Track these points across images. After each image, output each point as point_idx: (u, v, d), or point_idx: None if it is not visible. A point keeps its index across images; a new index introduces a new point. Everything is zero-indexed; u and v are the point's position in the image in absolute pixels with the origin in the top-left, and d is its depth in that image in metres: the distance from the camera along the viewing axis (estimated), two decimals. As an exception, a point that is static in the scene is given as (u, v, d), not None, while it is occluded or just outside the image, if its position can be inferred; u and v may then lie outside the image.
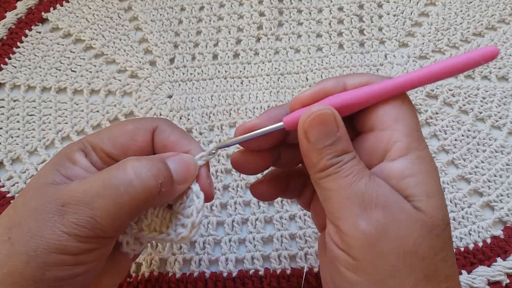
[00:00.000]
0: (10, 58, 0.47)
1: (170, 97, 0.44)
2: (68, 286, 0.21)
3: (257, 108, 0.43)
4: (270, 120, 0.24)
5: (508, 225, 0.37)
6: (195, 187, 0.25)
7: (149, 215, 0.24)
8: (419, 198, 0.21)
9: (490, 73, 0.45)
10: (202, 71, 0.45)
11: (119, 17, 0.49)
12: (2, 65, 0.46)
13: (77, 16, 0.49)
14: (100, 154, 0.24)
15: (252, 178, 0.39)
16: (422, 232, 0.20)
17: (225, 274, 0.35)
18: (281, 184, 0.28)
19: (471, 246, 0.36)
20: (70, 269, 0.21)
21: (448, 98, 0.43)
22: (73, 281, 0.21)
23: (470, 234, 0.37)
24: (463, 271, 0.35)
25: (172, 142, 0.25)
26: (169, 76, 0.45)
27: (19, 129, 0.43)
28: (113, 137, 0.25)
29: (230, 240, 0.36)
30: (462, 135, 0.41)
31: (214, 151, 0.25)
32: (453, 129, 0.42)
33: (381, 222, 0.20)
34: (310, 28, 0.48)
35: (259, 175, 0.37)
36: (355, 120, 0.25)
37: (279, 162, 0.27)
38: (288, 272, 0.35)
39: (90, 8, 0.50)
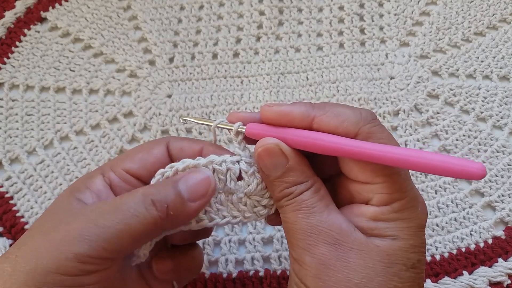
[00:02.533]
0: (8, 58, 0.46)
1: (169, 96, 0.44)
2: None
3: (257, 108, 0.43)
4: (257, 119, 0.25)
5: (509, 225, 0.37)
6: (249, 168, 0.25)
7: (213, 204, 0.25)
8: (384, 238, 0.22)
9: (492, 72, 0.44)
10: (201, 71, 0.45)
11: (118, 16, 0.49)
12: (0, 64, 0.46)
13: (76, 15, 0.49)
14: (119, 172, 0.26)
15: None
16: (375, 267, 0.21)
17: (225, 275, 0.35)
18: None
19: (473, 246, 0.36)
20: None
21: (450, 97, 0.43)
22: None
23: (471, 234, 0.37)
24: (464, 272, 0.35)
25: (187, 145, 0.27)
26: (168, 75, 0.45)
27: (17, 129, 0.42)
28: (130, 155, 0.26)
29: (230, 241, 0.36)
30: (464, 135, 0.41)
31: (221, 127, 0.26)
32: (454, 129, 0.41)
33: (326, 257, 0.21)
34: (311, 27, 0.48)
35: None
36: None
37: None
38: (288, 273, 0.35)
39: (89, 7, 0.49)
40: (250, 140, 0.25)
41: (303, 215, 0.22)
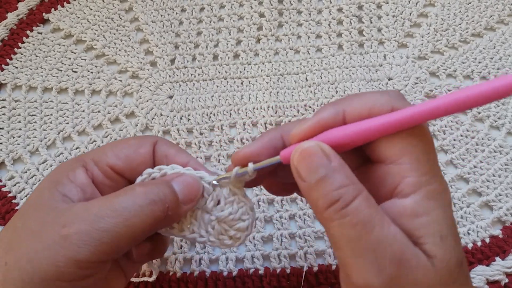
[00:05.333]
0: (11, 59, 0.47)
1: (170, 97, 0.45)
2: None
3: (257, 109, 0.43)
4: (265, 149, 0.23)
5: (506, 224, 0.37)
6: (247, 199, 0.25)
7: (188, 217, 0.25)
8: (433, 240, 0.20)
9: (489, 73, 0.45)
10: (202, 72, 0.46)
11: (120, 18, 0.49)
12: (3, 65, 0.46)
13: (78, 17, 0.49)
14: (103, 168, 0.25)
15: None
16: (441, 282, 0.19)
17: (225, 273, 0.35)
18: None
19: (470, 245, 0.37)
20: None
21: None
22: None
23: (469, 233, 0.37)
24: (462, 270, 0.35)
25: (172, 154, 0.26)
26: (169, 76, 0.46)
27: (20, 129, 0.43)
28: (116, 150, 0.25)
29: (230, 240, 0.37)
30: (461, 135, 0.41)
31: (216, 183, 0.25)
32: (451, 129, 0.42)
33: (395, 279, 0.19)
34: (310, 29, 0.48)
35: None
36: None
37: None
38: (288, 271, 0.35)
39: (91, 9, 0.50)
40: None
41: (365, 230, 0.19)
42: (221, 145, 0.41)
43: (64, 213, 0.21)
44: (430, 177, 0.20)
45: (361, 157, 0.23)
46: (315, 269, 0.35)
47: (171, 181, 0.24)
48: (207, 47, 0.47)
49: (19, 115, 0.44)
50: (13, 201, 0.39)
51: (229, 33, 0.48)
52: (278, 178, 0.26)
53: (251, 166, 0.23)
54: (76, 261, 0.20)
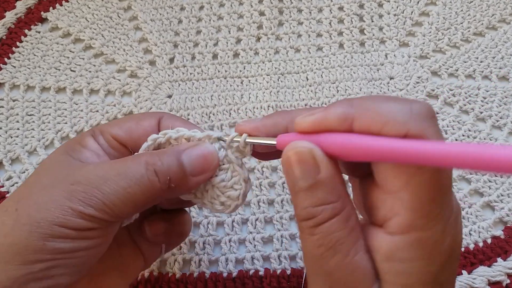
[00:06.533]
0: (9, 58, 0.46)
1: (170, 96, 0.44)
2: (68, 259, 0.21)
3: (257, 108, 0.43)
4: (273, 126, 0.23)
5: (508, 225, 0.37)
6: (242, 170, 0.25)
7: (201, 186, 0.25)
8: None
9: (491, 73, 0.44)
10: (202, 71, 0.45)
11: (119, 16, 0.49)
12: (1, 64, 0.46)
13: (77, 16, 0.49)
14: (107, 137, 0.25)
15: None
16: None
17: (225, 275, 0.35)
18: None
19: (472, 246, 0.36)
20: (71, 242, 0.21)
21: (449, 98, 0.43)
22: (74, 255, 0.21)
23: (470, 234, 0.37)
24: (464, 271, 0.35)
25: (180, 126, 0.26)
26: (168, 75, 0.45)
27: (18, 129, 0.43)
28: (120, 123, 0.26)
29: (230, 240, 0.36)
30: (463, 135, 0.41)
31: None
32: (453, 129, 0.42)
33: None
34: (310, 28, 0.48)
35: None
36: None
37: None
38: (288, 272, 0.35)
39: (89, 8, 0.49)
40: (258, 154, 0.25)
41: (326, 254, 0.18)
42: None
43: (74, 172, 0.22)
44: (428, 221, 0.18)
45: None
46: (316, 270, 0.35)
47: (182, 152, 0.24)
48: (206, 46, 0.47)
49: (17, 114, 0.43)
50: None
51: (229, 31, 0.48)
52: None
53: (244, 136, 0.23)
54: (81, 213, 0.21)
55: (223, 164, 0.25)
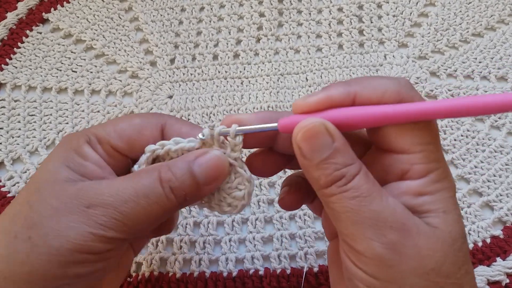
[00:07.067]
0: (11, 59, 0.47)
1: (170, 97, 0.45)
2: (87, 281, 0.22)
3: (257, 108, 0.43)
4: (261, 120, 0.24)
5: (507, 225, 0.37)
6: (243, 171, 0.25)
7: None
8: (436, 214, 0.21)
9: (490, 73, 0.45)
10: (202, 72, 0.46)
11: (120, 17, 0.49)
12: (3, 65, 0.46)
13: (78, 17, 0.49)
14: (106, 147, 0.24)
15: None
16: (444, 250, 0.20)
17: (225, 274, 0.35)
18: (303, 189, 0.27)
19: (471, 246, 0.36)
20: (91, 265, 0.21)
21: (448, 98, 0.43)
22: (92, 276, 0.22)
23: (469, 234, 0.37)
24: (463, 271, 0.35)
25: (185, 133, 0.25)
26: (169, 76, 0.46)
27: (20, 129, 0.43)
28: (119, 130, 0.25)
29: (230, 240, 0.37)
30: (462, 135, 0.41)
31: (202, 137, 0.24)
32: (452, 129, 0.42)
33: (397, 244, 0.20)
34: (310, 29, 0.48)
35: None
36: (367, 132, 0.24)
37: (293, 163, 0.26)
38: (288, 271, 0.35)
39: (90, 9, 0.50)
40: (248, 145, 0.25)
41: (365, 202, 0.20)
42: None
43: (87, 193, 0.22)
44: (436, 163, 0.21)
45: (364, 146, 0.24)
46: (316, 269, 0.35)
47: (193, 162, 0.23)
48: (207, 46, 0.47)
49: (19, 115, 0.43)
50: (16, 197, 0.39)
51: (229, 32, 0.48)
52: (276, 146, 0.26)
53: (234, 127, 0.23)
54: (102, 236, 0.21)
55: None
